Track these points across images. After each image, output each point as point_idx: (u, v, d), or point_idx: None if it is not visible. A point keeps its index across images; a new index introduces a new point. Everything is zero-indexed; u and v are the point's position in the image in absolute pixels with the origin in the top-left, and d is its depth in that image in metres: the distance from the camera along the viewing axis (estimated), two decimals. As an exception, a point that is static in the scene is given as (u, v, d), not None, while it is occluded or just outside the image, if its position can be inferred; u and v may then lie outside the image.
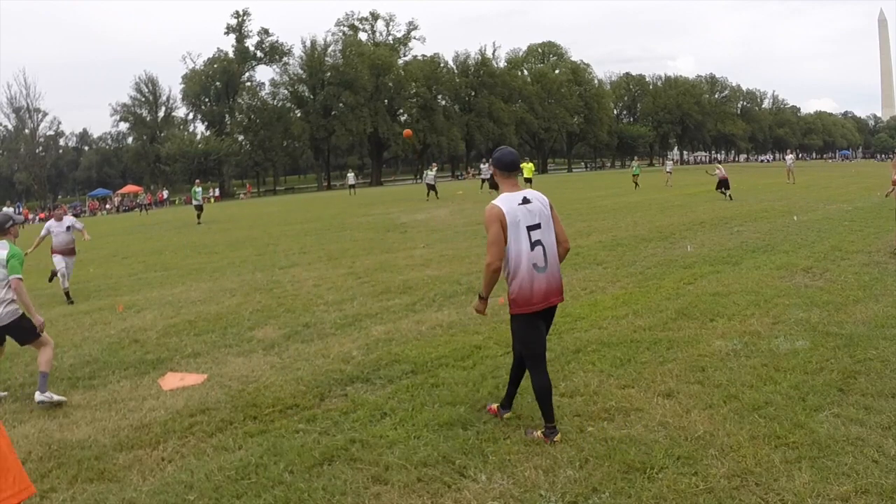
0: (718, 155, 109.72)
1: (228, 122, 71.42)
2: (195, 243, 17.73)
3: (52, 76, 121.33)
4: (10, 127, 72.00)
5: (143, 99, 73.39)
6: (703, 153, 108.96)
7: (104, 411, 4.79)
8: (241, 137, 70.72)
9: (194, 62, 71.60)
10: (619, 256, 10.20)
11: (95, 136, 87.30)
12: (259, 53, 72.77)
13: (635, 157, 39.35)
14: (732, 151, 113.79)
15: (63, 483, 3.68)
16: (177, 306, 8.58)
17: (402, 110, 77.22)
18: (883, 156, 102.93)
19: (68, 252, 9.90)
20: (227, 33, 72.40)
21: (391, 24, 78.29)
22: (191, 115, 75.35)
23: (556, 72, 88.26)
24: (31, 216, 54.84)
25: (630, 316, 6.45)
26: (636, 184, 29.88)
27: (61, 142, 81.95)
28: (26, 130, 71.31)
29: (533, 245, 3.64)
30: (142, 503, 3.41)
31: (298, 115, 72.76)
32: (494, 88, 79.82)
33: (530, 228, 3.64)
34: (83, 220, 10.60)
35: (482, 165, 36.53)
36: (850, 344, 5.12)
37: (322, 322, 7.07)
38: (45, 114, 73.27)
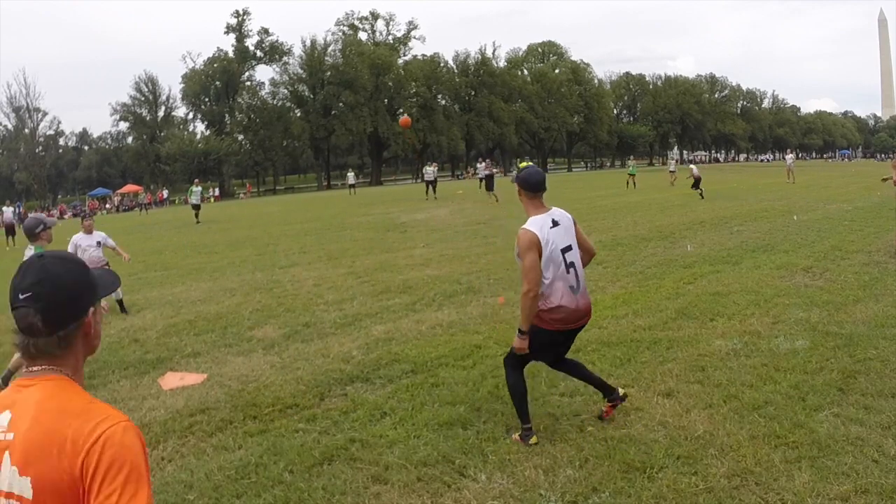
0: (719, 154, 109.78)
1: (228, 122, 71.40)
2: (195, 243, 17.73)
3: (52, 76, 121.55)
4: (9, 126, 72.04)
5: (143, 98, 73.38)
6: (703, 153, 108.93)
7: (104, 411, 4.79)
8: (240, 137, 70.70)
9: (194, 62, 71.62)
10: (619, 256, 10.20)
11: (95, 135, 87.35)
12: (259, 53, 72.75)
13: (631, 157, 39.44)
14: (732, 151, 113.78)
15: (63, 483, 3.67)
16: (177, 306, 8.58)
17: (401, 110, 77.20)
18: (883, 155, 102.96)
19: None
20: (226, 33, 72.43)
21: (391, 23, 78.34)
22: (191, 115, 75.38)
23: (556, 71, 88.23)
24: (30, 216, 54.82)
25: (630, 315, 6.45)
26: (633, 184, 29.84)
27: (61, 141, 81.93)
28: (26, 130, 71.32)
29: (568, 267, 3.62)
30: (142, 503, 3.41)
31: (298, 114, 72.75)
32: (494, 88, 79.79)
33: (564, 251, 3.61)
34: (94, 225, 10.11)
35: (479, 164, 36.49)
36: (850, 344, 5.12)
37: (322, 322, 7.07)
38: (45, 113, 73.33)
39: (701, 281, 7.95)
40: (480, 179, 34.82)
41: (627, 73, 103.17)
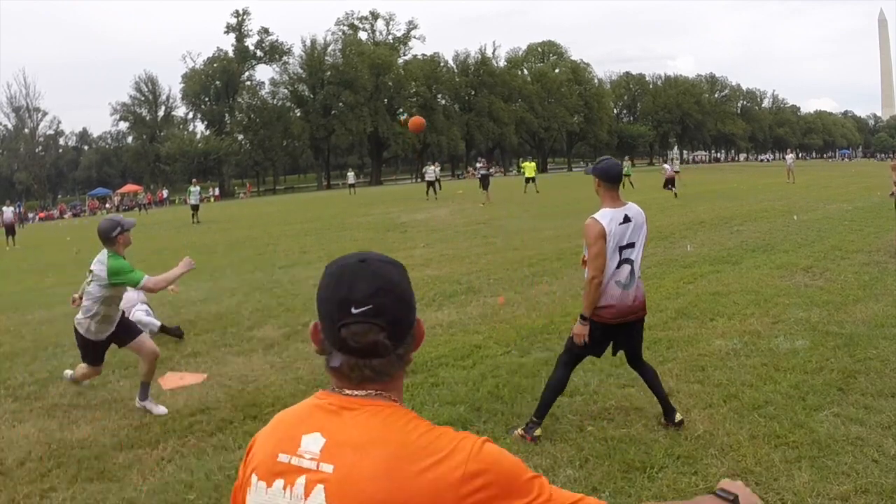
0: (719, 154, 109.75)
1: (228, 122, 71.40)
2: (195, 243, 17.73)
3: (52, 76, 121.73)
4: (9, 126, 72.05)
5: (143, 98, 73.39)
6: (703, 152, 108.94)
7: (104, 411, 4.80)
8: (240, 137, 70.71)
9: (194, 61, 71.62)
10: (619, 256, 10.19)
11: (95, 135, 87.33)
12: (259, 53, 72.75)
13: (626, 157, 39.42)
14: (732, 151, 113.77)
15: (63, 483, 3.68)
16: (177, 306, 8.57)
17: (401, 109, 77.18)
18: (883, 155, 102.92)
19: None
20: (226, 32, 72.41)
21: (391, 23, 78.34)
22: (191, 115, 75.38)
23: (556, 71, 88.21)
24: (31, 215, 54.91)
25: (630, 315, 6.45)
26: (630, 184, 29.80)
27: (61, 141, 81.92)
28: (26, 130, 71.33)
29: (621, 263, 3.64)
30: (142, 503, 3.42)
31: (298, 114, 72.73)
32: (494, 88, 79.78)
33: (622, 248, 3.64)
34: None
35: (478, 164, 36.50)
36: (849, 343, 5.12)
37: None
38: (45, 113, 73.37)
39: (701, 281, 7.95)
40: (481, 179, 34.90)
41: (627, 73, 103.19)
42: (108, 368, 5.89)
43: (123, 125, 75.52)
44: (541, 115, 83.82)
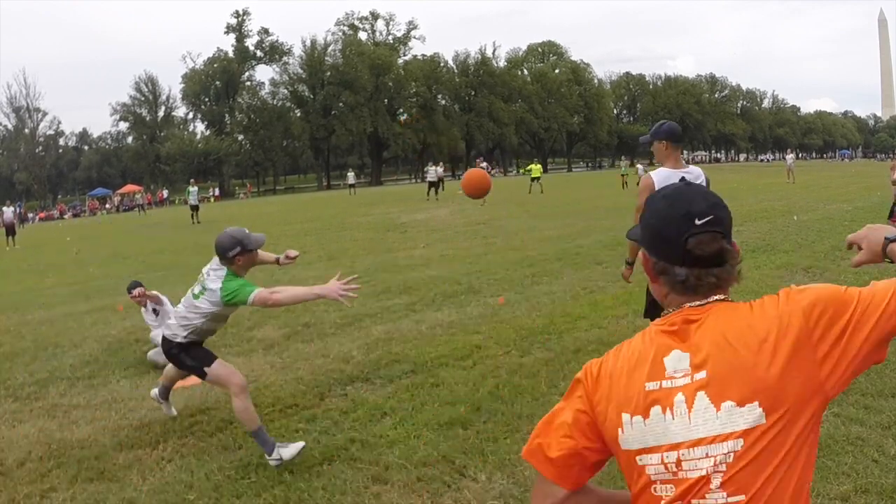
0: (719, 155, 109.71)
1: (228, 122, 71.44)
2: (195, 243, 17.73)
3: (52, 76, 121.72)
4: (10, 127, 72.11)
5: (143, 98, 73.43)
6: (703, 152, 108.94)
7: (104, 411, 4.79)
8: (241, 137, 70.75)
9: (194, 62, 71.67)
10: (619, 256, 10.18)
11: (95, 135, 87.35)
12: (259, 53, 72.79)
13: (623, 157, 39.39)
14: (732, 151, 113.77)
15: (63, 483, 3.68)
16: (177, 306, 8.58)
17: (402, 110, 77.23)
18: (883, 156, 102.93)
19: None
20: (227, 33, 72.48)
21: (391, 23, 78.36)
22: (191, 115, 75.47)
23: (556, 71, 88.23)
24: (30, 216, 54.91)
25: (630, 315, 6.45)
26: (625, 184, 29.81)
27: (61, 141, 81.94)
28: (26, 130, 71.38)
29: None
30: (142, 503, 3.42)
31: (298, 114, 72.76)
32: (494, 88, 79.78)
33: None
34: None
35: (482, 164, 36.50)
36: (849, 344, 5.11)
37: (322, 322, 7.07)
38: (45, 113, 73.44)
39: (701, 281, 7.94)
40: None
41: (627, 73, 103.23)
42: (108, 368, 5.90)
43: (123, 125, 75.67)
44: (541, 116, 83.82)
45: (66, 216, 56.52)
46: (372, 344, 6.04)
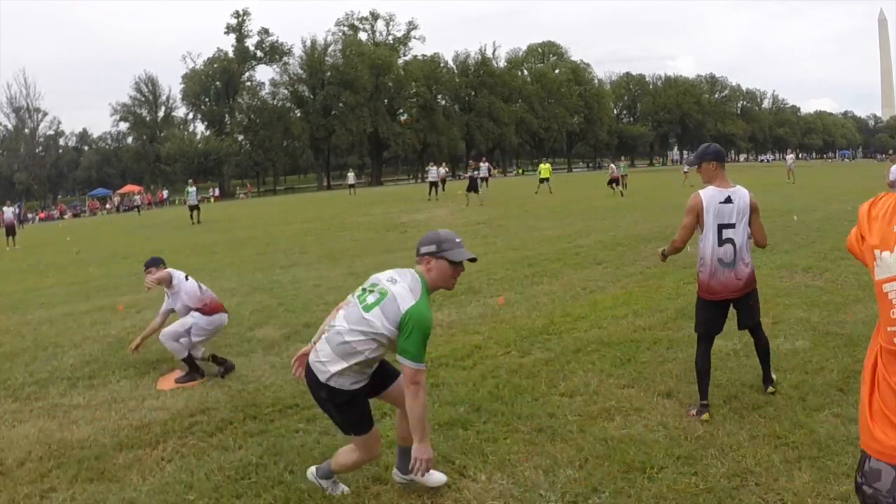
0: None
1: (228, 122, 71.42)
2: (195, 243, 17.74)
3: (52, 76, 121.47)
4: (10, 127, 72.11)
5: (143, 99, 73.42)
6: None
7: (104, 411, 4.79)
8: (241, 137, 70.74)
9: (194, 62, 71.66)
10: (619, 256, 10.20)
11: (95, 135, 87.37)
12: (259, 53, 72.77)
13: (622, 157, 39.37)
14: (732, 151, 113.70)
15: (63, 483, 3.68)
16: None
17: (402, 110, 77.23)
18: (882, 156, 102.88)
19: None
20: (227, 33, 72.44)
21: (391, 23, 78.34)
22: (191, 115, 75.45)
23: (556, 71, 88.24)
24: (30, 216, 54.90)
25: (630, 316, 6.45)
26: (624, 184, 29.77)
27: (61, 142, 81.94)
28: (26, 130, 71.37)
29: (722, 242, 3.89)
30: (142, 503, 3.42)
31: (298, 114, 72.75)
32: (494, 88, 79.79)
33: (723, 226, 3.89)
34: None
35: (482, 164, 36.45)
36: (850, 344, 5.12)
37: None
38: (45, 114, 73.43)
39: (701, 281, 7.94)
40: (482, 179, 34.88)
41: (627, 74, 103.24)
42: (108, 369, 5.89)
43: (123, 125, 75.65)
44: (541, 116, 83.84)
45: (66, 216, 56.52)
46: (372, 344, 6.03)
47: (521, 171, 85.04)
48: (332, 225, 20.01)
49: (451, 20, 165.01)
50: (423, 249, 2.94)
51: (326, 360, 2.90)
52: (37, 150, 72.54)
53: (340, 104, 71.22)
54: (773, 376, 4.30)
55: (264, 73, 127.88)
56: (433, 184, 30.15)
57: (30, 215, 55.03)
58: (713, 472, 3.28)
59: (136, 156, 72.13)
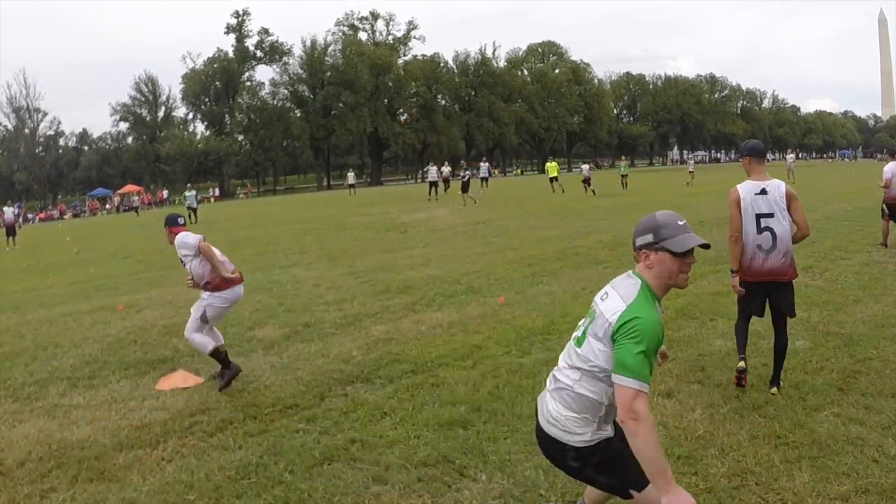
0: (719, 155, 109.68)
1: (228, 122, 71.41)
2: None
3: (52, 76, 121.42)
4: (10, 127, 72.13)
5: (143, 99, 73.42)
6: (703, 152, 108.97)
7: (104, 411, 4.79)
8: (241, 137, 70.74)
9: (194, 62, 71.68)
10: (619, 256, 10.19)
11: (95, 135, 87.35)
12: (259, 53, 72.77)
13: (622, 157, 39.40)
14: (732, 151, 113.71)
15: (63, 483, 3.68)
16: (177, 306, 8.57)
17: (402, 110, 77.23)
18: (881, 155, 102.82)
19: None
20: (227, 33, 72.46)
21: (391, 23, 78.34)
22: (191, 115, 75.47)
23: (556, 71, 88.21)
24: (30, 216, 54.89)
25: (630, 316, 6.45)
26: (624, 184, 29.77)
27: (61, 142, 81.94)
28: (26, 130, 71.39)
29: (761, 230, 4.19)
30: (142, 503, 3.41)
31: (298, 114, 72.75)
32: (494, 88, 79.79)
33: (761, 216, 4.19)
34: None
35: (482, 164, 36.49)
36: (850, 343, 5.12)
37: (322, 322, 7.07)
38: (45, 114, 73.50)
39: (701, 281, 7.94)
40: (482, 179, 34.89)
41: (627, 73, 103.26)
42: (108, 368, 5.89)
43: (123, 125, 75.67)
44: (541, 116, 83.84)
45: (66, 216, 56.52)
46: (372, 344, 6.04)
47: (519, 171, 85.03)
48: (332, 225, 20.01)
49: (451, 20, 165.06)
50: (639, 241, 2.35)
51: (559, 420, 2.30)
52: (37, 150, 72.56)
53: (340, 104, 71.22)
54: (781, 382, 4.34)
55: (264, 73, 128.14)
56: (433, 184, 30.15)
57: (30, 215, 55.03)
58: (713, 472, 3.28)
59: (136, 156, 72.12)
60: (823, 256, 9.03)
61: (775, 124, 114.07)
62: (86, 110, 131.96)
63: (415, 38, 79.26)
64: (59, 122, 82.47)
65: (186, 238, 5.49)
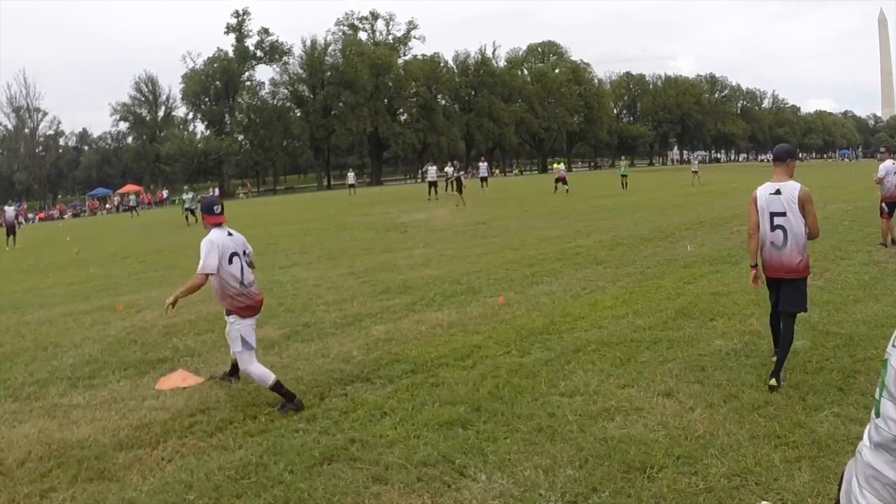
0: (719, 155, 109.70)
1: (228, 122, 71.39)
2: (196, 243, 17.69)
3: (52, 76, 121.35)
4: (10, 127, 72.11)
5: (143, 98, 73.40)
6: (703, 152, 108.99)
7: (104, 411, 4.79)
8: (241, 137, 70.70)
9: (194, 62, 71.59)
10: (619, 256, 10.19)
11: (95, 135, 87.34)
12: (259, 53, 72.71)
13: (622, 157, 39.34)
14: (732, 151, 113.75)
15: (63, 483, 3.68)
16: (177, 306, 8.56)
17: (402, 110, 77.22)
18: (881, 155, 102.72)
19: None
20: (227, 33, 72.36)
21: (391, 23, 78.27)
22: (191, 115, 75.40)
23: (556, 71, 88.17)
24: (30, 216, 54.88)
25: (630, 315, 6.45)
26: (624, 185, 29.74)
27: (61, 141, 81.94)
28: (26, 130, 71.39)
29: (774, 227, 4.47)
30: (142, 503, 3.41)
31: (298, 114, 72.72)
32: (494, 88, 79.75)
33: (774, 214, 4.47)
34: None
35: (482, 164, 36.47)
36: (850, 343, 5.12)
37: (322, 322, 7.07)
38: (45, 113, 73.46)
39: (701, 281, 7.94)
40: (482, 179, 34.88)
41: (627, 73, 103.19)
42: (108, 368, 5.89)
43: (123, 125, 75.63)
44: (541, 116, 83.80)
45: (65, 216, 56.52)
46: (372, 344, 6.04)
47: (518, 171, 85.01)
48: (332, 225, 20.01)
49: (451, 20, 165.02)
50: None
51: None
52: (37, 150, 72.55)
53: (340, 104, 71.19)
54: (783, 376, 4.40)
55: (264, 73, 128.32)
56: (432, 184, 30.12)
57: (30, 215, 55.00)
58: (713, 472, 3.28)
59: (136, 156, 72.12)
60: (823, 256, 9.03)
61: (775, 124, 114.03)
62: (86, 110, 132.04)
63: (415, 38, 79.24)
64: (59, 122, 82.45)
65: (206, 244, 4.85)
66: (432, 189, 29.63)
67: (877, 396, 1.75)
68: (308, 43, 72.85)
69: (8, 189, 68.31)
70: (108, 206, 60.31)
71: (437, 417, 4.16)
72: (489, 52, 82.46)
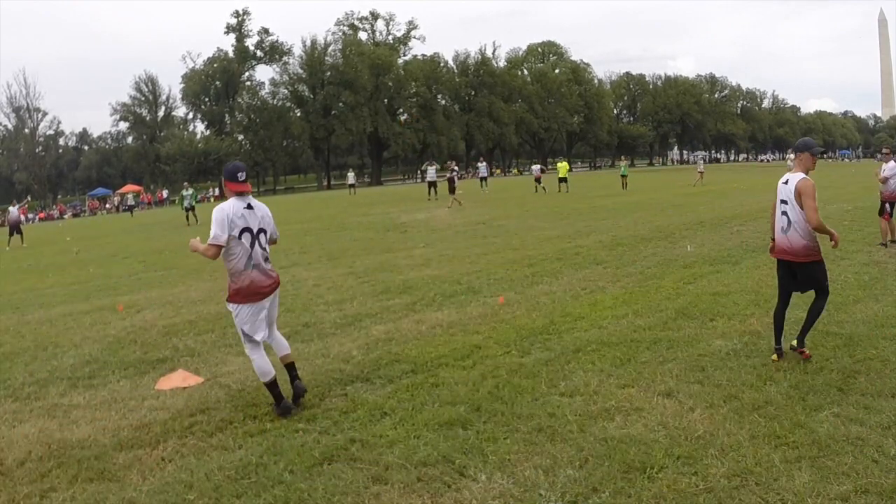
0: (719, 154, 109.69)
1: (228, 122, 71.40)
2: (195, 243, 17.70)
3: (52, 76, 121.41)
4: (10, 127, 72.16)
5: (143, 98, 73.43)
6: (703, 152, 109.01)
7: (104, 411, 4.79)
8: (241, 137, 70.72)
9: (194, 62, 71.64)
10: (619, 256, 10.19)
11: (95, 135, 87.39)
12: (259, 53, 72.75)
13: (622, 157, 39.32)
14: (732, 151, 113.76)
15: (63, 483, 3.68)
16: (177, 306, 8.57)
17: (401, 110, 77.23)
18: (881, 155, 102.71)
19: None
20: (227, 33, 72.42)
21: (391, 23, 78.34)
22: (191, 115, 75.46)
23: (556, 71, 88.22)
24: (30, 216, 54.85)
25: (630, 315, 6.45)
26: (624, 185, 29.72)
27: (61, 141, 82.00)
28: (26, 130, 71.42)
29: (781, 213, 4.97)
30: (142, 503, 3.41)
31: (298, 114, 72.75)
32: (494, 88, 79.79)
33: (781, 202, 4.98)
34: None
35: (481, 164, 36.48)
36: (849, 343, 5.12)
37: (322, 322, 7.07)
38: (45, 113, 73.54)
39: (701, 281, 7.94)
40: (482, 179, 34.87)
41: (627, 73, 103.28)
42: (108, 368, 5.89)
43: (123, 125, 75.71)
44: (541, 116, 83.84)
45: (65, 216, 56.53)
46: (372, 344, 6.04)
47: (517, 171, 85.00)
48: (332, 225, 20.01)
49: (451, 20, 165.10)
50: None
51: None
52: (37, 150, 72.58)
53: (340, 104, 71.21)
54: (806, 343, 4.92)
55: (264, 73, 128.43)
56: (432, 184, 30.12)
57: (30, 215, 54.98)
58: (713, 472, 3.27)
59: (136, 156, 72.14)
60: (823, 256, 9.02)
61: (775, 124, 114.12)
62: (86, 110, 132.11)
63: (415, 38, 79.33)
64: (59, 122, 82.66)
65: (217, 212, 4.32)
66: (432, 189, 29.64)
67: None
68: (308, 43, 72.95)
69: (8, 189, 68.32)
70: (108, 206, 60.32)
71: (437, 417, 4.16)
72: (489, 52, 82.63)
